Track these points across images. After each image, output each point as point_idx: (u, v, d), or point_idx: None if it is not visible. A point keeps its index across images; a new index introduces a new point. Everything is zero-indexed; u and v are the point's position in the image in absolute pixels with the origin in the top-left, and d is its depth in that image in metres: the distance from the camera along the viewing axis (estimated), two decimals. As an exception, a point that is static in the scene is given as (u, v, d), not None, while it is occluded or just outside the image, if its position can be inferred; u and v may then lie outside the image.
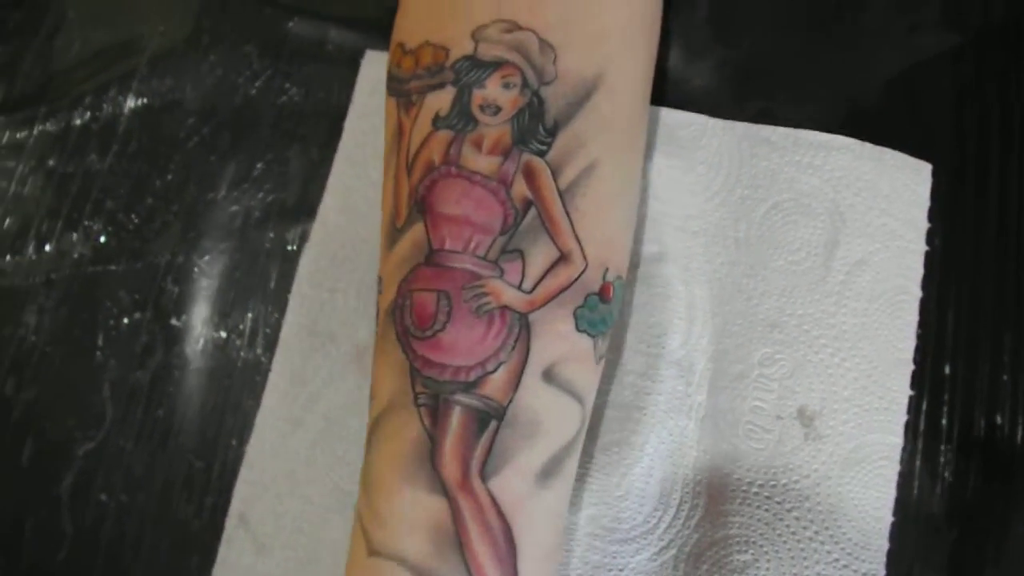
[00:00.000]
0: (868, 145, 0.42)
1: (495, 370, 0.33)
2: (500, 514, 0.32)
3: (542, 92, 0.34)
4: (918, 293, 0.41)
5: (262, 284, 0.46)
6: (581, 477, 0.40)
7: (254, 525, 0.41)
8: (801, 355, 0.40)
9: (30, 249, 0.50)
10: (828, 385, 0.40)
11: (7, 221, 0.51)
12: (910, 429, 0.40)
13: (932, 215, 0.42)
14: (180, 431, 0.45)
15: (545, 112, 0.34)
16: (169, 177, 0.49)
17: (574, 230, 0.34)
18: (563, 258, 0.34)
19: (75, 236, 0.50)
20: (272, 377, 0.43)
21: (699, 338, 0.41)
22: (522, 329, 0.33)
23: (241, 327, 0.46)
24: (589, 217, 0.34)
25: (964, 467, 0.40)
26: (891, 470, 0.39)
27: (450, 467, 0.32)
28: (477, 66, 0.34)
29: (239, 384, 0.45)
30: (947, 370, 0.41)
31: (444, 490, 0.32)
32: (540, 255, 0.34)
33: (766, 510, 0.39)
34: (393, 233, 0.36)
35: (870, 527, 0.39)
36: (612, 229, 0.35)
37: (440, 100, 0.34)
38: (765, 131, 0.43)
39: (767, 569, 0.38)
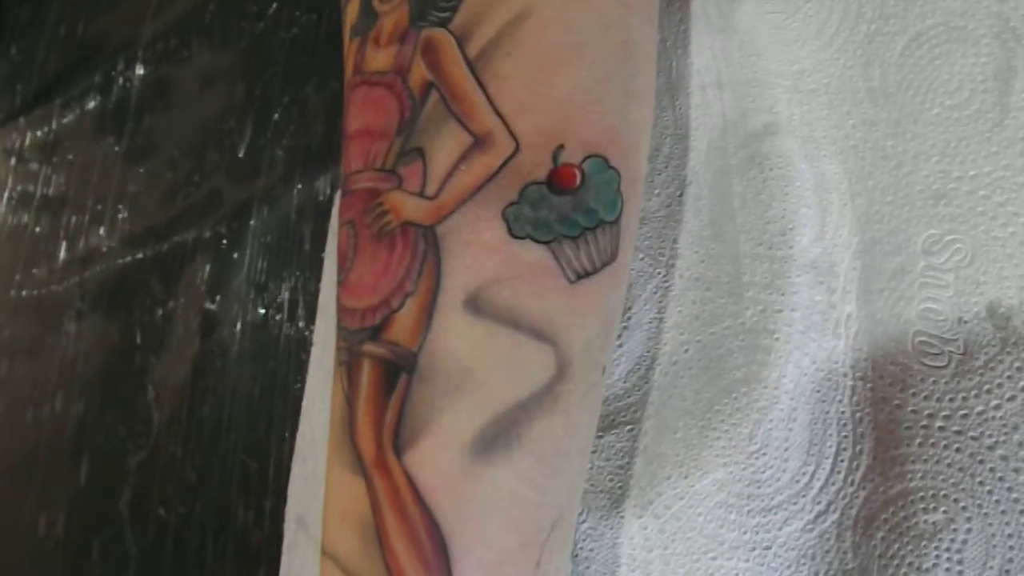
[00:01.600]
0: (1042, -72, 0.30)
1: (401, 306, 0.25)
2: (419, 500, 0.24)
3: None
4: None
5: (296, 246, 0.39)
6: (701, 431, 0.31)
7: (313, 526, 0.35)
8: (982, 231, 0.29)
9: (62, 251, 0.46)
10: (1026, 268, 0.29)
11: (38, 227, 0.47)
12: None
13: None
14: (229, 428, 0.39)
15: None
16: (186, 146, 0.44)
17: (493, 104, 0.25)
18: (478, 143, 0.25)
19: (102, 230, 0.45)
20: (314, 351, 0.37)
21: (837, 228, 0.31)
22: (429, 247, 0.25)
23: (279, 299, 0.39)
24: (518, 81, 0.25)
25: None
26: None
27: (364, 439, 0.25)
28: None
29: (284, 366, 0.39)
30: None
31: (362, 469, 0.25)
32: (445, 147, 0.25)
33: (957, 450, 0.28)
34: None
35: (1117, 458, 0.27)
36: (567, 90, 0.26)
37: (352, 7, 0.28)
38: (890, -59, 0.32)
39: (967, 530, 0.28)
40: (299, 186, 0.40)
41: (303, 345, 0.38)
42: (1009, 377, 0.28)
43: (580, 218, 0.25)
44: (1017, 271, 0.28)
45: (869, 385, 0.29)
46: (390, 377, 0.25)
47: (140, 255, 0.43)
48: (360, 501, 0.25)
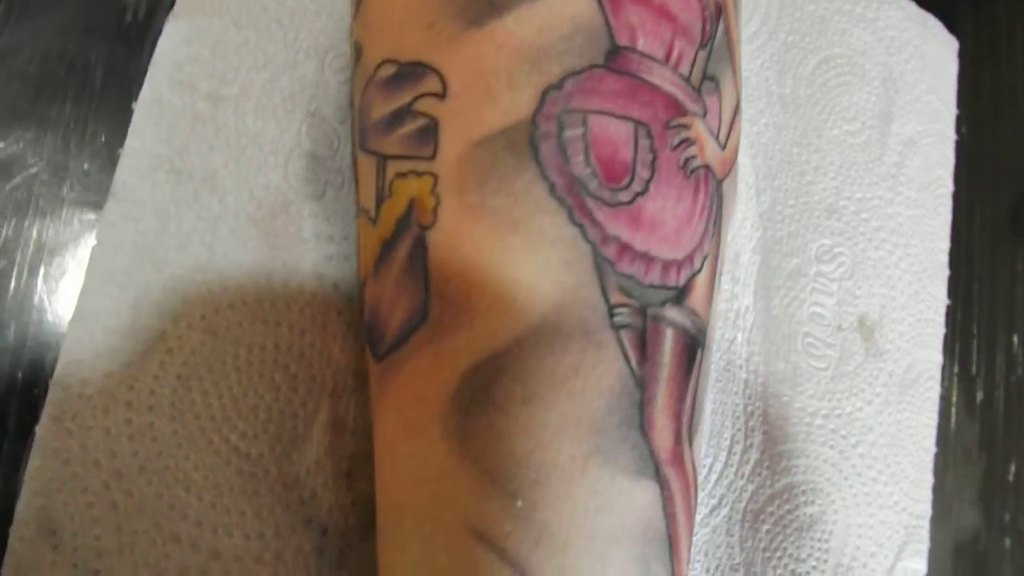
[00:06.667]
0: (914, 5, 0.33)
1: (701, 268, 0.20)
2: (695, 495, 0.20)
3: None
4: (951, 187, 0.33)
5: (76, 79, 0.24)
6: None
7: (74, 537, 0.21)
8: (860, 250, 0.30)
9: None
10: (887, 289, 0.30)
11: None
12: (947, 344, 0.33)
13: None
14: None
15: None
16: None
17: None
18: (738, 101, 0.22)
19: None
20: (97, 253, 0.22)
21: (743, 220, 0.29)
22: (716, 204, 0.21)
23: (32, 163, 0.23)
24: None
25: (992, 390, 0.33)
26: (935, 392, 0.31)
27: (662, 431, 0.19)
28: None
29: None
30: (976, 282, 0.34)
31: (655, 469, 0.18)
32: (729, 92, 0.21)
33: (831, 447, 0.29)
34: None
35: (921, 460, 0.30)
36: None
37: None
38: (809, -33, 0.32)
39: (834, 522, 0.28)
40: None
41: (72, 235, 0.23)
42: (869, 383, 0.29)
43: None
44: (881, 290, 0.30)
45: (761, 380, 0.28)
46: (692, 355, 0.19)
47: None
48: (648, 511, 0.18)
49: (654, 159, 0.19)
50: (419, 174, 0.19)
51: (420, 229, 0.19)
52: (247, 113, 0.23)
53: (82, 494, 0.20)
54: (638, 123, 0.19)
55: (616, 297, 0.18)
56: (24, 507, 0.20)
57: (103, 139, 0.22)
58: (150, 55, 0.22)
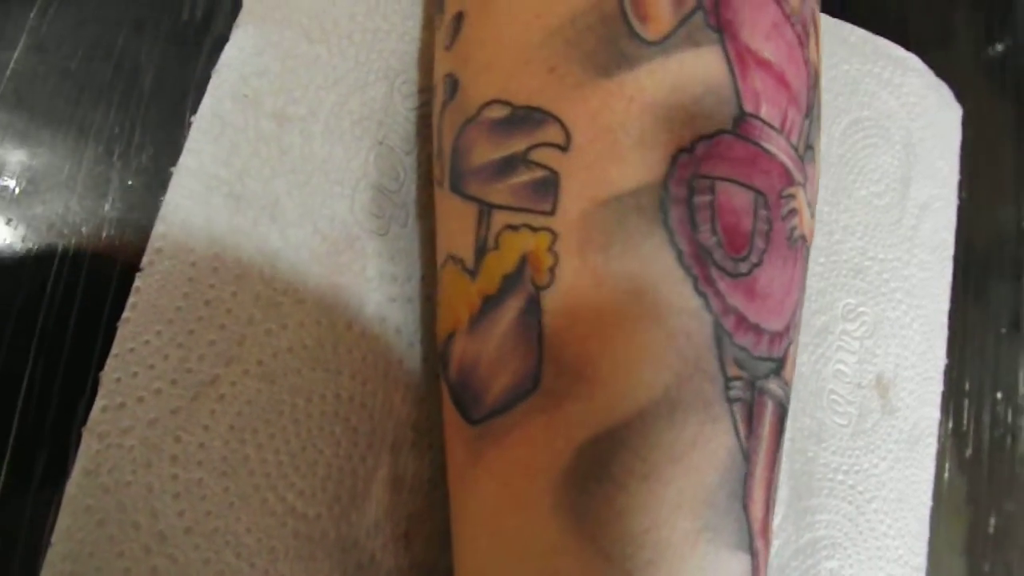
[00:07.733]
0: (932, 73, 0.34)
1: (794, 339, 0.20)
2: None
3: None
4: (952, 250, 0.34)
5: (123, 81, 0.20)
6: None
7: None
8: (880, 310, 0.30)
9: None
10: (901, 349, 0.31)
11: None
12: (943, 402, 0.33)
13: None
14: None
15: None
16: None
17: None
18: None
19: None
20: (142, 283, 0.19)
21: (777, 278, 0.29)
22: (805, 274, 0.21)
23: (70, 174, 0.20)
24: None
25: (979, 445, 0.34)
26: (934, 448, 0.32)
27: (757, 503, 0.18)
28: None
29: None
30: (968, 340, 0.35)
31: (750, 541, 0.18)
32: (819, 160, 0.22)
33: (849, 502, 0.29)
34: (619, 38, 0.18)
35: (921, 514, 0.31)
36: None
37: None
38: (843, 29, 0.32)
39: (850, 577, 0.28)
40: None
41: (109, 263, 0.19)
42: (884, 440, 0.30)
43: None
44: (896, 349, 0.30)
45: (788, 435, 0.28)
46: (783, 425, 0.19)
47: None
48: None
49: (769, 230, 0.18)
50: (534, 229, 0.17)
51: (534, 288, 0.17)
52: (314, 136, 0.21)
53: (118, 559, 0.18)
54: (757, 192, 0.18)
55: (732, 370, 0.18)
56: (51, 572, 0.17)
57: (151, 152, 0.20)
58: (207, 60, 0.20)
